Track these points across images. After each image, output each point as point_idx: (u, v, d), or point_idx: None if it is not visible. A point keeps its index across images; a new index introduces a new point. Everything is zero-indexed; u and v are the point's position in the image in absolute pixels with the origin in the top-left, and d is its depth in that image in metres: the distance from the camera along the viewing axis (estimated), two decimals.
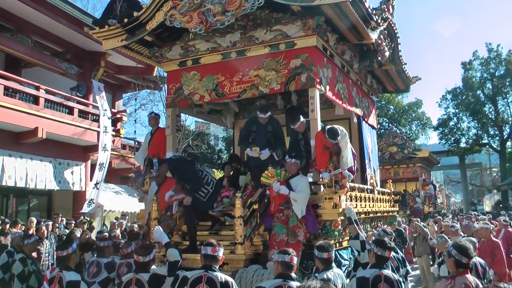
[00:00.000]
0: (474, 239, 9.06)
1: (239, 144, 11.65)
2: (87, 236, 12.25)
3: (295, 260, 5.75)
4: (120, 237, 12.20)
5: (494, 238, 10.88)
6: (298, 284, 5.46)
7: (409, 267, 9.41)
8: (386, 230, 9.16)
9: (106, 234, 11.83)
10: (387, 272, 6.06)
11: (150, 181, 10.99)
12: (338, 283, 6.34)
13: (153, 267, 6.81)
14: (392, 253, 8.03)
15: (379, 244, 6.25)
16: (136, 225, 13.94)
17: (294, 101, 12.36)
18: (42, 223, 14.28)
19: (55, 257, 12.09)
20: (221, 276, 5.70)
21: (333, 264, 6.67)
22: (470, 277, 5.65)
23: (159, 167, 9.55)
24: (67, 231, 15.01)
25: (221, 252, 5.91)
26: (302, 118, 9.96)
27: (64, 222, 16.44)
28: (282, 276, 5.55)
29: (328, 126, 9.27)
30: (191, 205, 9.23)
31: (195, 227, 9.29)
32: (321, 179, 9.10)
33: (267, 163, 9.74)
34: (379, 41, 11.13)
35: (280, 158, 10.18)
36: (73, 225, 16.04)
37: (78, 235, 12.80)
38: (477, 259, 7.83)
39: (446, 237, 9.82)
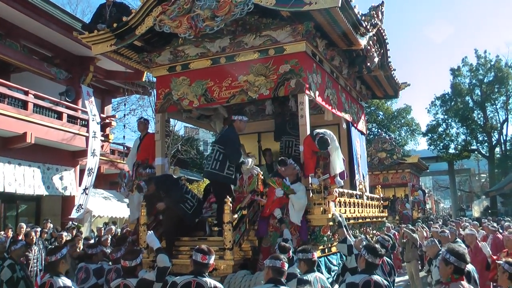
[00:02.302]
0: (463, 245, 9.08)
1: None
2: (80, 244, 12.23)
3: (286, 266, 5.76)
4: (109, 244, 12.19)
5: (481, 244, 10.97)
6: (211, 280, 5.67)
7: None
8: (385, 237, 9.19)
9: (92, 241, 11.82)
10: (377, 277, 6.06)
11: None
12: (318, 287, 6.37)
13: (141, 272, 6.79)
14: (386, 258, 8.05)
15: (371, 251, 6.24)
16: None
17: (293, 106, 12.18)
18: (30, 228, 14.26)
19: (43, 263, 12.05)
20: (210, 282, 5.69)
21: (315, 268, 6.72)
22: (466, 284, 5.63)
23: (148, 188, 9.52)
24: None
25: (211, 259, 5.90)
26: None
27: (50, 227, 16.39)
28: (273, 281, 5.57)
29: (317, 132, 9.25)
30: (176, 216, 9.25)
31: (172, 238, 9.25)
32: (310, 185, 9.09)
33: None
34: (368, 47, 11.16)
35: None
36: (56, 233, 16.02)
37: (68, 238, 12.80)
38: (470, 266, 7.86)
39: (436, 241, 9.85)
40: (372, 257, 6.17)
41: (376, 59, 11.94)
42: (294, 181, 8.96)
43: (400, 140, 51.29)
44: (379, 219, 13.51)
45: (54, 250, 6.96)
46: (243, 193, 10.34)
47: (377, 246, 6.51)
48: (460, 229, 15.88)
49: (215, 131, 14.31)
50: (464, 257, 5.61)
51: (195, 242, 8.57)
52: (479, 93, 52.88)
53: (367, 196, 12.56)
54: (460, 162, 66.87)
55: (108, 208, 22.95)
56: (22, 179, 18.57)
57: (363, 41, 10.42)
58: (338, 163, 9.38)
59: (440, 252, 8.51)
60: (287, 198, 8.66)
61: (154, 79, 12.42)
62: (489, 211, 46.82)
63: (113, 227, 16.82)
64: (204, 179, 32.37)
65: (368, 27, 10.55)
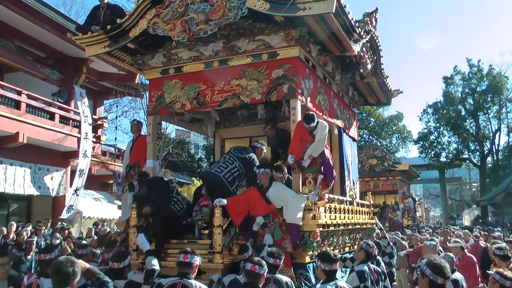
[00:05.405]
0: (451, 255, 9.09)
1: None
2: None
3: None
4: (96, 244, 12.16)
5: (468, 254, 11.01)
6: (196, 282, 5.79)
7: None
8: (369, 243, 9.17)
9: (85, 241, 11.79)
10: (342, 283, 6.09)
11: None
12: None
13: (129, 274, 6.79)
14: (373, 266, 8.03)
15: (325, 259, 6.16)
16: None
17: (285, 111, 12.17)
18: (21, 228, 14.23)
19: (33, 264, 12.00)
20: (196, 284, 5.73)
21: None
22: None
23: (139, 189, 9.54)
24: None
25: (194, 259, 5.92)
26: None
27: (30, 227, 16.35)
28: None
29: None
30: (166, 218, 9.29)
31: (163, 238, 9.26)
32: (291, 161, 9.21)
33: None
34: (362, 54, 11.13)
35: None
36: (43, 230, 15.92)
37: (58, 241, 12.72)
38: (459, 275, 7.86)
39: (431, 244, 9.82)
40: (329, 265, 6.09)
41: (369, 66, 11.94)
42: (269, 185, 8.97)
43: (391, 147, 51.44)
44: (369, 226, 13.51)
45: (48, 249, 6.94)
46: None
47: (330, 252, 6.43)
48: (449, 238, 15.85)
49: (207, 134, 14.29)
50: (441, 271, 5.00)
51: (184, 245, 8.54)
52: (472, 102, 53.07)
53: (357, 202, 12.56)
54: (451, 171, 67.10)
55: (98, 209, 22.94)
56: (13, 178, 18.54)
57: (356, 48, 10.41)
58: (315, 148, 9.34)
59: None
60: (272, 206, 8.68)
61: (147, 82, 12.39)
62: (480, 220, 46.92)
63: (108, 229, 16.77)
64: (195, 181, 32.45)
65: (362, 33, 10.55)
